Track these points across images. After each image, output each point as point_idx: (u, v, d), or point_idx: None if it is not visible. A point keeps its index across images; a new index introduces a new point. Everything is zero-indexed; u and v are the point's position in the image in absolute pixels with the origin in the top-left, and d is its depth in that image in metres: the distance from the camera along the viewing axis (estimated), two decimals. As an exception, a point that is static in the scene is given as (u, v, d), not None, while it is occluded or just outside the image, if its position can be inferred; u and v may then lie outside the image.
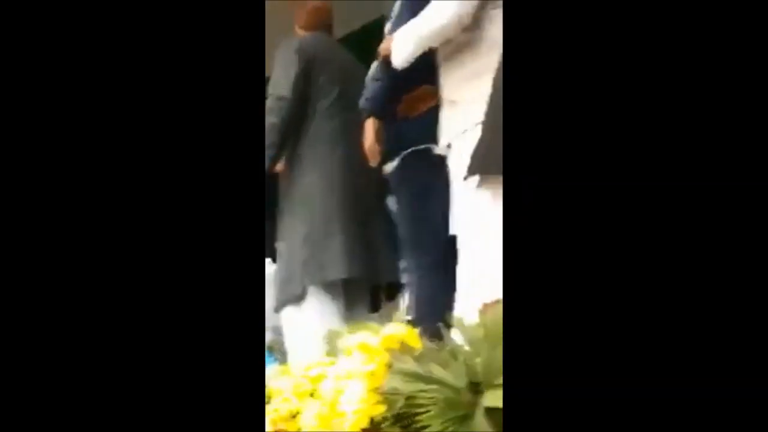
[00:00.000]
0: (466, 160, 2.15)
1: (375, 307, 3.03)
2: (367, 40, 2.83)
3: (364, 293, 2.86)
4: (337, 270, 2.67)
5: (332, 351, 1.72)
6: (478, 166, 1.86)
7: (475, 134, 2.12)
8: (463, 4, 2.18)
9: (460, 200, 2.18)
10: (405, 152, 2.48)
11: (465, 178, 1.95)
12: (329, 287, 2.70)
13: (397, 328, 1.56)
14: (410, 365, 1.40)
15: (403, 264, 2.61)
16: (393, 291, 2.99)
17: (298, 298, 2.70)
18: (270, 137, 2.71)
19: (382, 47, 2.41)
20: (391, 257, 2.79)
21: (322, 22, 2.99)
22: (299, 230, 2.74)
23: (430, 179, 2.37)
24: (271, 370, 1.79)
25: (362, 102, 2.54)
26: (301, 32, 2.99)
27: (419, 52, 2.28)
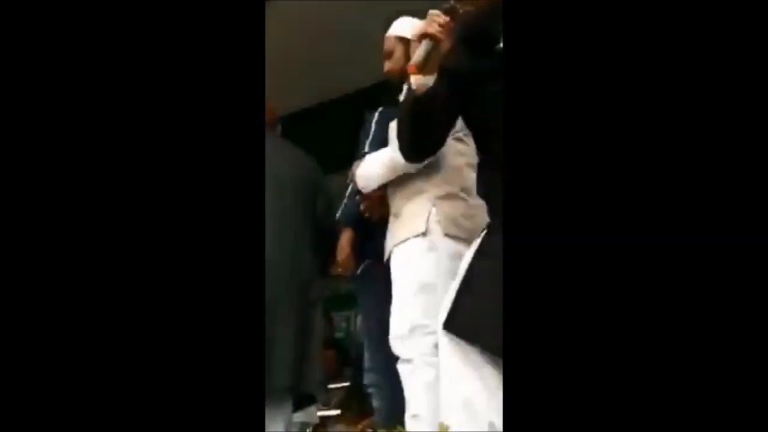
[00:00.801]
0: (402, 268, 2.36)
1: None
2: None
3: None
4: None
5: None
6: (452, 327, 1.85)
7: (410, 244, 2.35)
8: None
9: (398, 305, 2.35)
10: (366, 262, 2.65)
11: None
12: None
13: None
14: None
15: (367, 364, 2.71)
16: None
17: None
18: None
19: (353, 172, 2.59)
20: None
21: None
22: None
23: (389, 285, 2.48)
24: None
25: (339, 215, 2.70)
26: None
27: (385, 181, 2.47)
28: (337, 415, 3.33)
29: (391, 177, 2.45)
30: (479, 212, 2.23)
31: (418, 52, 1.77)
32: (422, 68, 1.77)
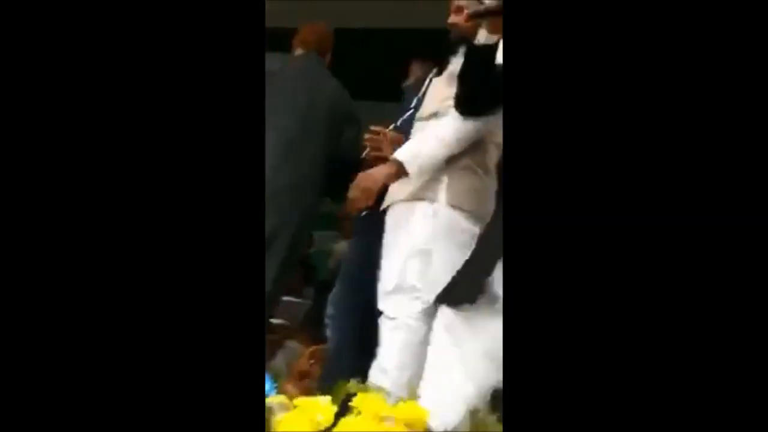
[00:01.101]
0: (401, 227, 2.38)
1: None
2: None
3: None
4: None
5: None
6: (445, 298, 1.98)
7: (414, 206, 2.37)
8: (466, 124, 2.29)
9: (390, 263, 2.38)
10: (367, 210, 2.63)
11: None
12: None
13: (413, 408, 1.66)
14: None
15: (333, 296, 2.77)
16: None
17: None
18: None
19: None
20: None
21: (314, 42, 3.03)
22: None
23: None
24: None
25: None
26: (298, 50, 3.02)
27: (445, 157, 2.36)
28: (293, 330, 3.40)
29: (453, 151, 2.34)
30: (490, 190, 2.30)
31: (479, 7, 1.94)
32: (469, 19, 1.96)
